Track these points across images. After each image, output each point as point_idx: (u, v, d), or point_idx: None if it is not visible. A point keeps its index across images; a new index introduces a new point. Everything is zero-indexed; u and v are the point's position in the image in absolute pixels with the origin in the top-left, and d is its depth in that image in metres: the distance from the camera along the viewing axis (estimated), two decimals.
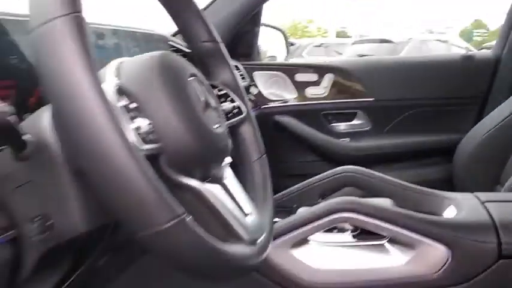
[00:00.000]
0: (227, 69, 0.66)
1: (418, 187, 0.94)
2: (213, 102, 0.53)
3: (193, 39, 0.64)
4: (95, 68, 0.34)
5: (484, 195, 0.86)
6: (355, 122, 1.64)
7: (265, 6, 1.61)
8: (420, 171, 1.55)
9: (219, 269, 0.44)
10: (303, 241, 0.79)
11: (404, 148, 1.58)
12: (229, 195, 0.52)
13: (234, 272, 0.48)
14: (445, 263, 0.75)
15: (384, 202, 0.87)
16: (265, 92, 1.64)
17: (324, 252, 0.79)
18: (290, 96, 1.65)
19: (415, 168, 1.56)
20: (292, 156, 1.64)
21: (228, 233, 0.48)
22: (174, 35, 1.36)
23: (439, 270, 0.75)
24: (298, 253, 0.78)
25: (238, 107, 0.65)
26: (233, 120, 0.64)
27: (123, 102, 0.42)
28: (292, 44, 10.79)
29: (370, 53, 8.33)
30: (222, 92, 0.65)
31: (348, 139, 1.62)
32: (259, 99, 1.64)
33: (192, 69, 0.53)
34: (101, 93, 0.34)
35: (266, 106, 1.63)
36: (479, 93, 1.55)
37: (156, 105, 0.44)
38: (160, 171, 0.44)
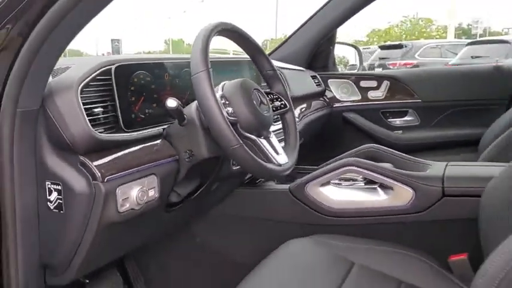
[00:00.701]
0: (280, 84, 1.23)
1: (415, 158, 1.40)
2: (265, 101, 1.10)
3: (261, 69, 1.22)
4: (213, 90, 0.94)
5: (455, 163, 1.31)
6: (406, 118, 2.11)
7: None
8: (456, 156, 1.95)
9: (263, 173, 1.02)
10: (327, 183, 1.32)
11: (445, 139, 2.00)
12: (271, 145, 1.09)
13: (270, 176, 1.05)
14: (411, 199, 1.23)
15: (386, 165, 1.36)
16: (337, 95, 2.18)
17: (340, 191, 1.32)
18: (355, 98, 2.16)
19: (452, 155, 1.97)
20: (355, 144, 2.13)
21: (267, 159, 1.05)
22: None
23: (407, 203, 1.23)
24: (324, 190, 1.32)
25: (285, 104, 1.22)
26: (281, 110, 1.21)
27: (223, 100, 1.02)
28: (404, 46, 10.80)
29: (485, 54, 8.10)
30: (276, 96, 1.23)
31: (400, 131, 2.09)
32: (332, 100, 2.17)
33: (256, 85, 1.11)
34: (216, 99, 0.93)
35: (337, 105, 2.16)
36: (506, 96, 1.91)
37: (237, 102, 1.03)
38: (238, 130, 1.03)
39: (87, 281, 1.34)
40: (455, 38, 21.42)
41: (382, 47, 11.79)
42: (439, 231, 1.24)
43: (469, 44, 9.14)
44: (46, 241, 0.94)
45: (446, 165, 1.29)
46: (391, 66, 10.02)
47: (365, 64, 11.17)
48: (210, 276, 1.50)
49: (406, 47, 10.81)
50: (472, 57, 8.31)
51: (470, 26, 31.91)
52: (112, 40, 20.65)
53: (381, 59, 10.94)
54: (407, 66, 9.94)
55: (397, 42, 11.92)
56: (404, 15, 28.65)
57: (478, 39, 11.73)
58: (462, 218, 1.19)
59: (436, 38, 20.46)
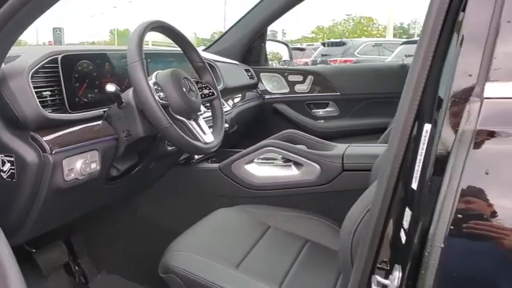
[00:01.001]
0: (208, 75, 1.42)
1: (324, 141, 1.65)
2: (193, 88, 1.30)
3: (192, 61, 1.40)
4: (147, 77, 1.12)
5: (355, 145, 1.57)
6: (328, 109, 2.38)
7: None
8: (369, 142, 2.23)
9: (191, 149, 1.22)
10: (251, 161, 1.54)
11: (360, 127, 2.29)
12: (199, 126, 1.28)
13: (197, 151, 1.25)
14: (317, 174, 1.47)
15: (300, 146, 1.59)
16: (268, 88, 2.41)
17: (262, 168, 1.54)
18: (284, 90, 2.40)
19: (366, 140, 2.25)
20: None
21: (195, 138, 1.25)
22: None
23: (315, 177, 1.48)
24: (248, 167, 1.54)
25: (213, 92, 1.42)
26: (209, 98, 1.41)
27: (155, 86, 1.20)
28: (344, 44, 11.27)
29: None
30: (205, 85, 1.42)
31: (322, 121, 2.36)
32: (264, 92, 2.40)
33: (185, 74, 1.29)
34: (148, 85, 1.12)
35: (268, 97, 2.39)
36: None
37: (168, 88, 1.21)
38: (168, 112, 1.21)
39: (34, 250, 1.48)
40: (396, 37, 22.48)
41: (324, 44, 12.23)
42: (340, 199, 1.48)
43: (404, 43, 9.69)
44: (0, 206, 1.08)
45: (348, 146, 1.54)
46: (332, 63, 10.40)
47: (309, 60, 11.57)
48: (149, 247, 1.68)
49: (346, 44, 11.29)
50: (406, 55, 8.83)
51: (408, 26, 33.41)
52: (54, 29, 19.84)
53: (323, 55, 11.35)
54: (347, 63, 10.36)
55: (338, 40, 12.41)
56: (347, 14, 29.64)
57: (412, 39, 12.44)
58: (358, 189, 1.43)
59: (377, 37, 21.40)
